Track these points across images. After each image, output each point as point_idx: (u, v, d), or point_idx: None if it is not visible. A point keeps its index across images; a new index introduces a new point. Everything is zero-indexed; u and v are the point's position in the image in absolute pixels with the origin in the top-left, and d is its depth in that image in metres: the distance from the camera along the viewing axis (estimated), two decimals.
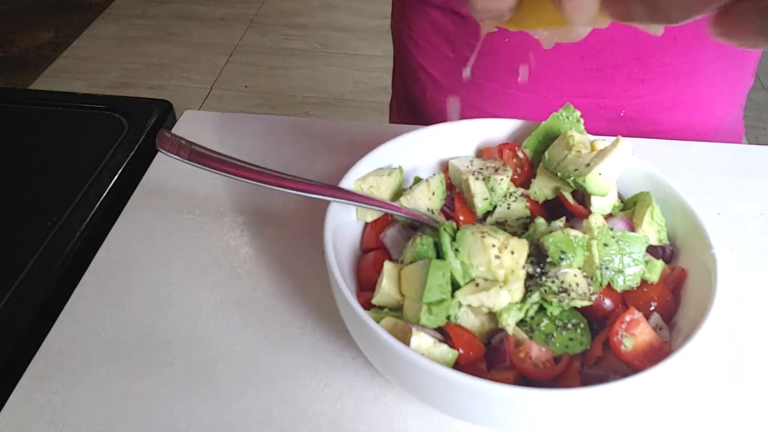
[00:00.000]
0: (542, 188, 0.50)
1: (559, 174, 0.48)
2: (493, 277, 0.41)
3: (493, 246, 0.41)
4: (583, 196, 0.49)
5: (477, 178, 0.49)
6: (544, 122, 0.52)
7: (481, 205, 0.48)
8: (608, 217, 0.48)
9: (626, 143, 0.47)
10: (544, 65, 0.67)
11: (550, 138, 0.51)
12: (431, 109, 0.77)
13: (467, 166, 0.51)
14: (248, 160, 0.46)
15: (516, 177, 0.52)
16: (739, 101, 0.77)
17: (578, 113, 0.52)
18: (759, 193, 0.61)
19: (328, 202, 0.46)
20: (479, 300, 0.40)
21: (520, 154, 0.52)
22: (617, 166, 0.47)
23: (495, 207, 0.49)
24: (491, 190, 0.49)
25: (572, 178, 0.46)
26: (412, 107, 0.81)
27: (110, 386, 0.44)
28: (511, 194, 0.50)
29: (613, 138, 0.48)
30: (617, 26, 0.67)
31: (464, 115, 0.62)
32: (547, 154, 0.50)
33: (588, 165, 0.46)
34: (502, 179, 0.49)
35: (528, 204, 0.49)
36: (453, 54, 0.72)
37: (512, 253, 0.41)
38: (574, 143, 0.49)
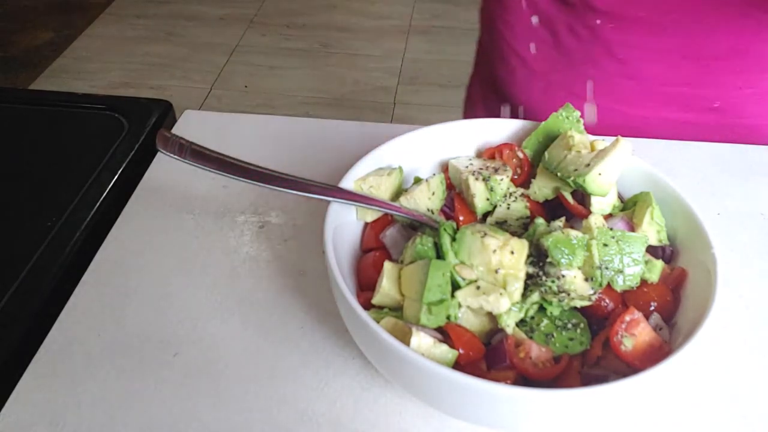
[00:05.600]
0: (542, 188, 0.50)
1: (559, 174, 0.48)
2: (492, 278, 0.41)
3: (493, 246, 0.41)
4: (583, 196, 0.49)
5: (477, 178, 0.49)
6: (543, 122, 0.52)
7: (481, 205, 0.48)
8: (608, 217, 0.48)
9: (626, 143, 0.47)
10: (644, 50, 0.68)
11: (550, 138, 0.51)
12: (518, 91, 0.78)
13: (467, 166, 0.51)
14: (248, 160, 0.46)
15: (516, 177, 0.52)
16: None
17: (578, 113, 0.52)
18: (759, 193, 0.61)
19: (328, 202, 0.46)
20: (479, 303, 0.40)
21: (520, 154, 0.52)
22: (617, 166, 0.47)
23: (495, 207, 0.49)
24: (491, 190, 0.49)
25: (572, 178, 0.46)
26: (495, 87, 0.82)
27: (110, 386, 0.44)
28: (511, 194, 0.50)
29: (613, 138, 0.48)
30: (721, 16, 0.67)
31: (556, 99, 0.63)
32: (547, 154, 0.50)
33: (588, 165, 0.46)
34: (502, 179, 0.49)
35: (528, 204, 0.49)
36: (549, 37, 0.73)
37: (512, 253, 0.41)
38: (574, 143, 0.49)
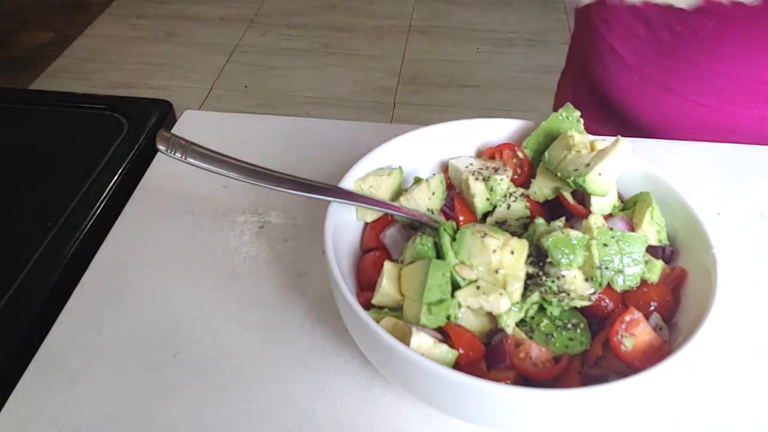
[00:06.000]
0: (542, 188, 0.50)
1: (558, 174, 0.48)
2: (492, 278, 0.41)
3: (493, 246, 0.41)
4: (583, 196, 0.49)
5: (477, 178, 0.49)
6: (543, 122, 0.52)
7: (481, 205, 0.48)
8: (608, 217, 0.48)
9: (626, 143, 0.47)
10: (742, 48, 0.68)
11: (550, 138, 0.51)
12: (612, 86, 0.79)
13: (467, 166, 0.51)
14: (248, 160, 0.46)
15: (516, 177, 0.52)
16: None
17: (578, 113, 0.52)
18: (759, 193, 0.61)
19: (328, 202, 0.46)
20: (479, 303, 0.40)
21: (520, 154, 0.52)
22: (617, 166, 0.47)
23: (495, 207, 0.49)
24: (491, 190, 0.49)
25: (572, 178, 0.46)
26: (590, 82, 0.83)
27: (110, 386, 0.44)
28: (511, 194, 0.50)
29: (613, 138, 0.48)
30: None
31: (652, 94, 0.67)
32: (547, 154, 0.50)
33: (588, 165, 0.46)
34: (502, 179, 0.49)
35: (528, 204, 0.49)
36: (647, 34, 0.73)
37: (512, 253, 0.41)
38: (574, 143, 0.49)
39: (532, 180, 0.51)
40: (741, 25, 0.67)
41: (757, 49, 0.68)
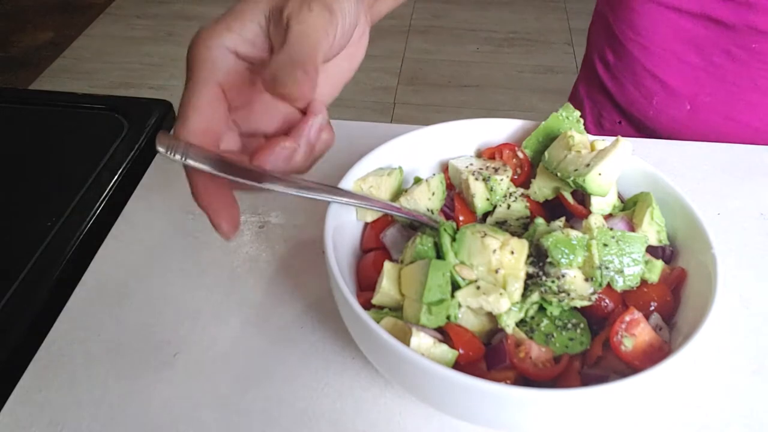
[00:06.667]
0: (542, 188, 0.50)
1: (558, 174, 0.48)
2: (492, 278, 0.41)
3: (493, 246, 0.41)
4: (583, 196, 0.49)
5: (477, 178, 0.49)
6: (543, 122, 0.52)
7: (481, 205, 0.48)
8: (608, 217, 0.48)
9: (626, 143, 0.47)
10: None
11: (549, 138, 0.51)
12: (659, 116, 0.76)
13: (467, 167, 0.51)
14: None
15: (516, 177, 0.52)
16: None
17: (578, 113, 0.52)
18: (759, 193, 0.61)
19: (328, 202, 0.46)
20: (479, 303, 0.40)
21: (520, 154, 0.52)
22: (617, 166, 0.47)
23: (495, 207, 0.49)
24: (491, 190, 0.49)
25: (572, 178, 0.46)
26: (628, 111, 0.79)
27: (110, 386, 0.44)
28: (511, 194, 0.50)
29: (613, 138, 0.48)
30: None
31: (708, 121, 0.64)
32: (547, 154, 0.49)
33: (588, 165, 0.46)
34: (502, 179, 0.49)
35: (528, 204, 0.49)
36: (699, 60, 0.70)
37: (512, 253, 0.41)
38: (573, 143, 0.48)
39: (532, 180, 0.51)
40: None
41: None
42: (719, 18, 0.67)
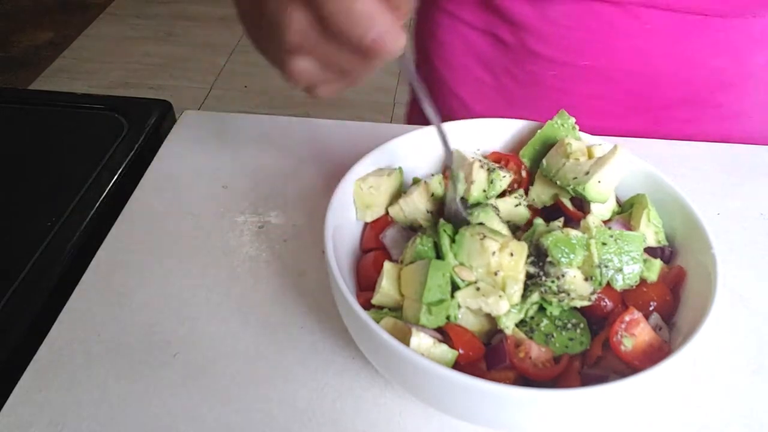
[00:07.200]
0: (540, 195, 0.50)
1: (558, 182, 0.48)
2: (492, 280, 0.41)
3: (493, 248, 0.41)
4: (581, 202, 0.49)
5: (482, 166, 0.49)
6: (540, 131, 0.52)
7: (476, 193, 0.48)
8: (606, 221, 0.48)
9: (624, 151, 0.47)
10: (587, 98, 0.66)
11: (546, 146, 0.51)
12: None
13: (474, 156, 0.51)
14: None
15: (516, 186, 0.52)
16: None
17: (573, 120, 0.52)
18: (759, 193, 0.61)
19: (329, 201, 0.46)
20: (478, 305, 0.40)
21: (523, 173, 0.52)
22: (616, 173, 0.47)
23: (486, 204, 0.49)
24: (491, 182, 0.49)
25: (572, 186, 0.47)
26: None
27: (110, 386, 0.44)
28: (514, 197, 0.50)
29: (611, 144, 0.48)
30: (670, 65, 0.64)
31: None
32: (545, 162, 0.50)
33: (587, 173, 0.46)
34: (504, 176, 0.49)
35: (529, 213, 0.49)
36: (491, 79, 0.69)
37: (511, 255, 0.41)
38: (571, 151, 0.49)
39: (530, 187, 0.51)
40: (585, 76, 0.64)
41: (600, 101, 0.66)
42: (502, 37, 0.66)
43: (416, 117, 0.81)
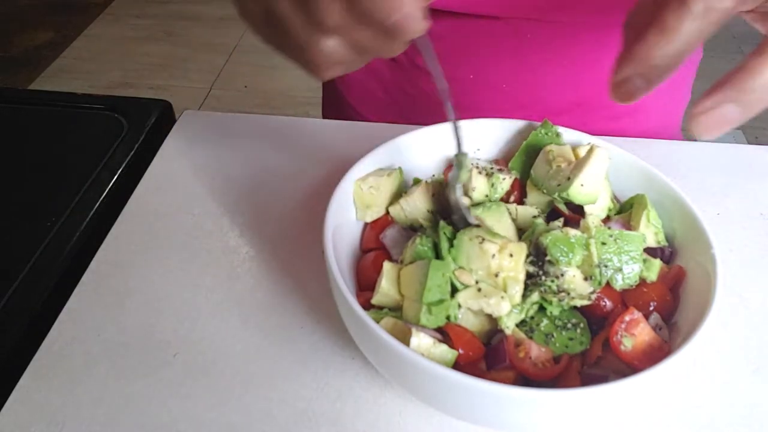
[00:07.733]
0: (534, 205, 0.50)
1: (545, 191, 0.48)
2: (492, 282, 0.41)
3: (492, 251, 0.41)
4: (576, 205, 0.49)
5: (480, 173, 0.49)
6: (525, 141, 0.52)
7: (476, 197, 0.48)
8: (605, 220, 0.48)
9: (601, 152, 0.47)
10: (485, 112, 0.65)
11: (533, 156, 0.51)
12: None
13: (473, 162, 0.51)
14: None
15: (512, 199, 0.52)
16: (677, 121, 0.78)
17: (557, 128, 0.52)
18: (759, 193, 0.61)
19: (328, 202, 0.46)
20: (480, 305, 0.40)
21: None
22: (598, 174, 0.47)
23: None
24: (492, 186, 0.49)
25: (557, 193, 0.47)
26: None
27: (110, 386, 0.44)
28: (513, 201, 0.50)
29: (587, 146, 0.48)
30: (556, 74, 0.65)
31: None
32: (533, 172, 0.50)
33: (568, 179, 0.47)
34: (504, 179, 0.49)
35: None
36: (384, 96, 0.70)
37: (510, 255, 0.41)
38: (554, 157, 0.49)
39: (525, 199, 0.51)
40: (470, 89, 0.65)
41: (493, 111, 0.64)
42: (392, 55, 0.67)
43: (330, 110, 0.83)
